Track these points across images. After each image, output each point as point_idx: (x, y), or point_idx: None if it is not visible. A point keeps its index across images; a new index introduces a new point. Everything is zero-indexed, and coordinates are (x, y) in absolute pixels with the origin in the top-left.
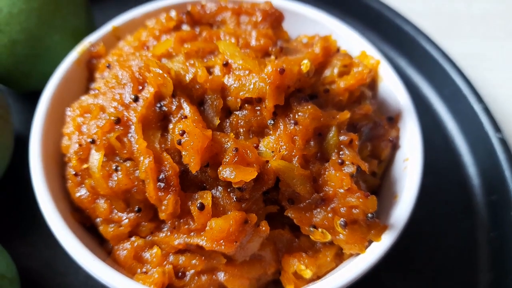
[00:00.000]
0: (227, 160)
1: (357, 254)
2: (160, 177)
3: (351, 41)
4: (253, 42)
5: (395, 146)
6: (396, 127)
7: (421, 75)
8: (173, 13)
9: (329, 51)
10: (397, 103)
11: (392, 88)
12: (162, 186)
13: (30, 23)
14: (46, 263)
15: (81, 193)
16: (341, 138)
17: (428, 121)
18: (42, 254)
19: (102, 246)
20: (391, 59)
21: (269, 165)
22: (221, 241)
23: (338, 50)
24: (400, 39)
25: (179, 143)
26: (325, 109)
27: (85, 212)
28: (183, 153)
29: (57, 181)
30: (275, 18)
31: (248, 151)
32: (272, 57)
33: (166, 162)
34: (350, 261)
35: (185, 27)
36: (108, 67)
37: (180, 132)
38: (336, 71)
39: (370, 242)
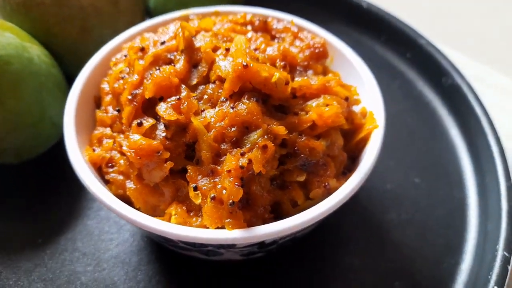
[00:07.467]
0: (168, 100)
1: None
2: (133, 92)
3: (374, 101)
4: (268, 51)
5: (329, 193)
6: (342, 181)
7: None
8: (248, 15)
9: (328, 90)
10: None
11: (369, 152)
12: (129, 98)
13: None
14: None
15: (104, 86)
16: (259, 140)
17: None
18: None
19: None
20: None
21: (192, 123)
22: (132, 150)
23: (347, 98)
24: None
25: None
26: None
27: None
28: (145, 81)
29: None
30: (316, 53)
31: (186, 103)
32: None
33: (142, 86)
34: None
35: (249, 27)
36: None
37: (156, 68)
38: (314, 104)
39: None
